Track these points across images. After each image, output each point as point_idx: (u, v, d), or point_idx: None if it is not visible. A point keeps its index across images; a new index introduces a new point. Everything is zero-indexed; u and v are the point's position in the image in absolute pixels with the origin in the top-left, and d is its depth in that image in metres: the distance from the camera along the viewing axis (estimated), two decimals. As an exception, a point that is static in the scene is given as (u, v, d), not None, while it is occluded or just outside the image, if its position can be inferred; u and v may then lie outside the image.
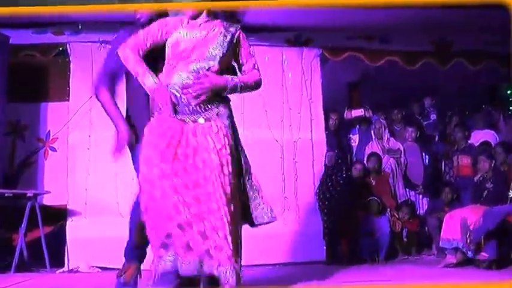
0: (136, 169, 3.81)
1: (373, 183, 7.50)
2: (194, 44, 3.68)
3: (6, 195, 6.35)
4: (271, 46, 7.47)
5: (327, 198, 7.06)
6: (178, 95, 3.64)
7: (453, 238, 6.17)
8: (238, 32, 3.79)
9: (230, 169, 3.61)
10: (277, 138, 7.32)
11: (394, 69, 7.95)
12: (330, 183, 7.11)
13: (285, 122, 7.38)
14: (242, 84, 3.81)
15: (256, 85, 3.92)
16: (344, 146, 7.93)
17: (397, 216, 7.31)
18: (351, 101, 8.77)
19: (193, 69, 3.66)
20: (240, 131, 6.97)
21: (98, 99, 4.07)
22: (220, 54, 3.70)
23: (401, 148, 7.80)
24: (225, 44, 3.72)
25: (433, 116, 8.57)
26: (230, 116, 3.84)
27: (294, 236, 7.07)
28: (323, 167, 7.30)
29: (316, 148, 7.41)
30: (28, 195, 6.37)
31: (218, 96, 3.75)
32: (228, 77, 3.76)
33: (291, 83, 7.48)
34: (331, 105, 7.88)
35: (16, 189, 6.76)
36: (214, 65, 3.69)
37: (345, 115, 8.30)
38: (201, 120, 3.66)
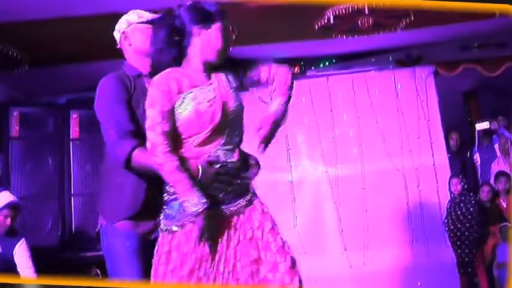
0: None
1: (504, 206, 6.96)
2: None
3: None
4: (380, 70, 7.11)
5: (457, 228, 6.60)
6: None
7: None
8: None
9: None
10: (398, 167, 6.92)
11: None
12: (459, 212, 6.64)
13: (405, 149, 6.96)
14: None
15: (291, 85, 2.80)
16: (469, 167, 7.40)
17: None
18: (470, 113, 8.21)
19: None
20: (358, 163, 6.82)
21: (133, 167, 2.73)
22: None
23: (531, 163, 7.19)
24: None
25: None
26: None
27: (425, 270, 6.69)
28: (449, 194, 6.84)
29: (440, 173, 6.96)
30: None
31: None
32: (271, 104, 2.74)
33: (406, 106, 7.04)
34: (451, 123, 7.38)
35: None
36: None
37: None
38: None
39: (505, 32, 6.87)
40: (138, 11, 2.96)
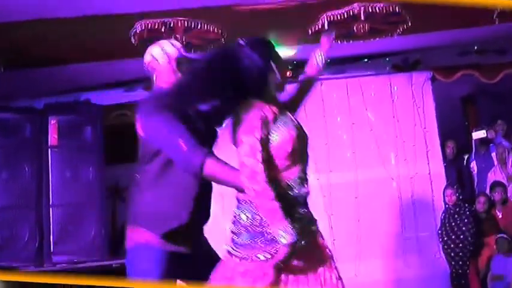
0: None
1: (500, 216, 6.77)
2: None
3: (113, 265, 6.06)
4: (376, 75, 6.90)
5: (451, 239, 6.42)
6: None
7: None
8: None
9: None
10: (393, 175, 6.72)
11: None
12: (453, 223, 6.45)
13: (400, 157, 6.76)
14: None
15: None
16: (465, 176, 7.21)
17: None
18: (468, 119, 8.02)
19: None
20: (352, 171, 6.62)
21: (205, 177, 2.81)
22: None
23: (528, 173, 7.01)
24: None
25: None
26: None
27: (418, 281, 6.51)
28: (443, 205, 6.64)
29: (435, 182, 6.76)
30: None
31: None
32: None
33: (402, 112, 6.84)
34: (448, 130, 7.18)
35: (122, 250, 6.48)
36: None
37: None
38: None
39: (504, 38, 6.71)
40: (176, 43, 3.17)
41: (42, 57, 5.40)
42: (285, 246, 2.50)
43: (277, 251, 2.53)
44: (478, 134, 7.32)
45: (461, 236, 6.44)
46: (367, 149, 6.71)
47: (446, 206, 6.57)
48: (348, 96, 6.78)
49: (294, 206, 2.64)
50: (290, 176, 2.65)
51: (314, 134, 4.51)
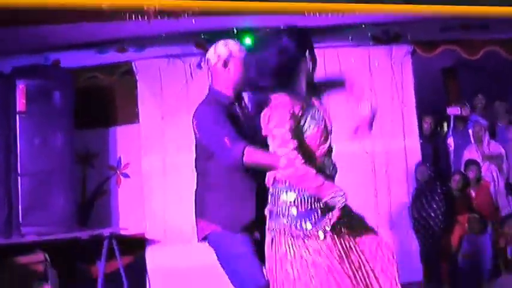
0: None
1: (473, 195, 6.75)
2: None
3: (82, 238, 6.01)
4: (356, 46, 6.71)
5: (422, 217, 6.39)
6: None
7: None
8: None
9: None
10: (367, 149, 6.60)
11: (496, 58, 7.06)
12: (424, 201, 6.42)
13: (375, 131, 6.63)
14: None
15: None
16: (441, 153, 7.12)
17: (500, 230, 6.53)
18: (449, 93, 7.88)
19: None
20: (326, 143, 6.50)
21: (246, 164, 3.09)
22: None
23: (503, 152, 6.95)
24: None
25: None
26: None
27: (388, 256, 6.48)
28: (415, 182, 6.58)
29: (410, 158, 6.67)
30: (104, 235, 6.01)
31: None
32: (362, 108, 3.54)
33: (379, 85, 6.68)
34: (426, 105, 7.05)
35: (90, 219, 6.54)
36: None
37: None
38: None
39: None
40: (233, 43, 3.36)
41: (10, 17, 5.18)
42: (338, 209, 2.78)
43: (330, 219, 2.81)
44: (453, 110, 7.21)
45: (432, 214, 6.41)
46: (342, 122, 6.59)
47: (418, 182, 6.51)
48: (324, 66, 6.64)
49: None
50: (320, 159, 2.96)
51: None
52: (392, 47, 6.76)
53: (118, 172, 6.75)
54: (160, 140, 6.53)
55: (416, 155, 6.70)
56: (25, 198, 5.90)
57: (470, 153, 7.01)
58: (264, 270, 3.09)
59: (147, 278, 6.48)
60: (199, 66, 6.40)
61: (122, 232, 6.39)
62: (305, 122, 2.89)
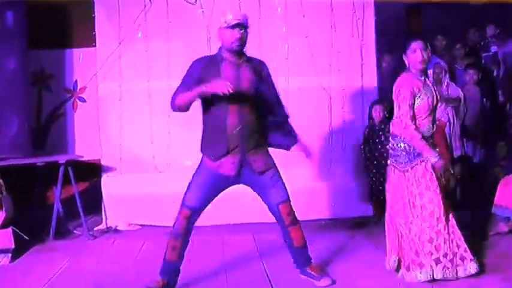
0: None
1: (428, 135, 6.82)
2: None
3: (37, 164, 5.95)
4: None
5: (374, 156, 6.44)
6: None
7: (506, 206, 5.54)
8: None
9: None
10: (325, 85, 6.66)
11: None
12: (377, 140, 6.42)
13: (333, 68, 6.67)
14: None
15: None
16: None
17: (451, 171, 6.68)
18: (411, 31, 7.86)
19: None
20: (283, 77, 6.48)
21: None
22: None
23: (461, 95, 6.96)
24: None
25: (494, 48, 7.69)
26: None
27: (340, 192, 6.64)
28: (367, 120, 6.64)
29: (367, 97, 6.70)
30: (60, 162, 5.96)
31: None
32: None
33: (340, 22, 6.67)
34: (387, 44, 7.02)
35: (46, 143, 6.46)
36: None
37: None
38: None
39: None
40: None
41: None
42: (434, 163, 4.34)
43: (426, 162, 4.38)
44: None
45: (385, 154, 6.48)
46: (301, 56, 6.59)
47: (371, 121, 6.55)
48: (285, 1, 6.59)
49: (427, 140, 4.37)
50: (425, 125, 4.41)
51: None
52: (354, -19, 6.70)
53: (74, 96, 6.66)
54: (117, 65, 6.44)
55: (373, 94, 6.73)
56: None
57: (428, 94, 7.00)
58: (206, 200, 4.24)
59: (103, 206, 6.51)
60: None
61: (78, 159, 6.37)
62: (420, 97, 4.35)
